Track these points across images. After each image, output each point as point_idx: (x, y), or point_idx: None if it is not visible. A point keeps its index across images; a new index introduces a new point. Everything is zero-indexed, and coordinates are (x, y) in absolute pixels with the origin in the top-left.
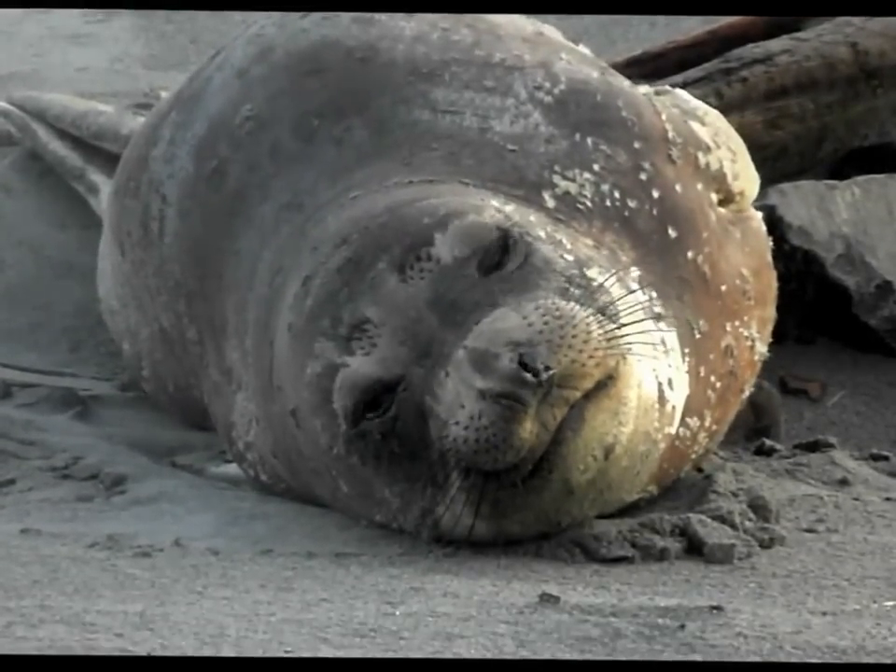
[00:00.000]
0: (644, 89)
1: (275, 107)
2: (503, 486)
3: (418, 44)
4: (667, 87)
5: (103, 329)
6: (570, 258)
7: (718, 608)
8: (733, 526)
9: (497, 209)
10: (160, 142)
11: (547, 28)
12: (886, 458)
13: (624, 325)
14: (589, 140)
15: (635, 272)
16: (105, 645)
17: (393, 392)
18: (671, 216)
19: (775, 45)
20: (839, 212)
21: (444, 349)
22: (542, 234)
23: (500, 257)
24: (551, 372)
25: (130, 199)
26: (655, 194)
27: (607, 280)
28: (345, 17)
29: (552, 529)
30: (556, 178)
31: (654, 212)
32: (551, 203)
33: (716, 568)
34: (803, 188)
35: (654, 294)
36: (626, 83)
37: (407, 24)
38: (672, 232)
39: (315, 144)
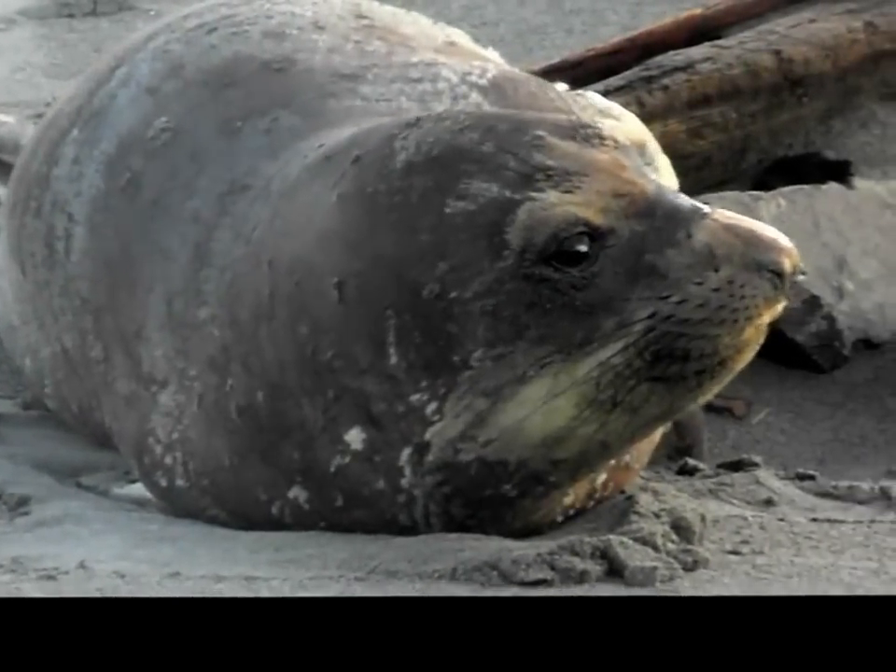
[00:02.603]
0: (562, 87)
1: (194, 117)
2: (662, 375)
3: (334, 54)
4: (579, 91)
5: (4, 345)
6: None
7: None
8: (655, 548)
9: None
10: (62, 161)
11: (458, 36)
12: (812, 478)
13: None
14: None
15: None
16: None
17: (598, 243)
18: None
19: (696, 52)
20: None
21: (679, 215)
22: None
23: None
24: (797, 278)
25: (31, 218)
26: None
27: None
28: (255, 33)
29: (596, 457)
30: None
31: None
32: None
33: (637, 592)
34: (727, 198)
35: None
36: None
37: (320, 37)
38: None
39: (241, 139)
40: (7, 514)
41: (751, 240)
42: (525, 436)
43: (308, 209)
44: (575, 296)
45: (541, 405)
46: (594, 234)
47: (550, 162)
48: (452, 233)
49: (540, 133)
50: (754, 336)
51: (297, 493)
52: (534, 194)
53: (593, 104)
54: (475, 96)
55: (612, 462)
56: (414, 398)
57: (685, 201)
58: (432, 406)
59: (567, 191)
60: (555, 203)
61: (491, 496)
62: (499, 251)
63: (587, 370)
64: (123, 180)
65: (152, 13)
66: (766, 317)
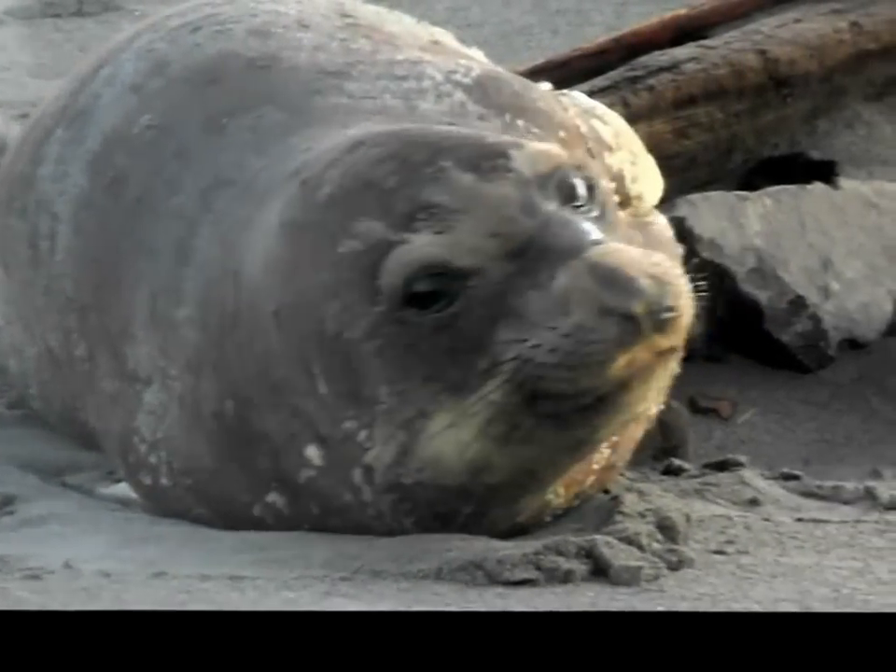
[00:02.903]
0: (546, 86)
1: (179, 114)
2: (540, 413)
3: (319, 52)
4: (564, 91)
5: None
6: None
7: None
8: (640, 548)
9: None
10: (46, 160)
11: (442, 35)
12: (797, 478)
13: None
14: (520, 122)
15: None
16: None
17: (458, 283)
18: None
19: (681, 52)
20: (750, 224)
21: (550, 255)
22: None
23: (575, 192)
24: (672, 315)
25: (16, 219)
26: None
27: None
28: (239, 31)
29: (521, 481)
30: None
31: None
32: None
33: (622, 591)
34: (713, 199)
35: None
36: None
37: (304, 35)
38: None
39: (226, 135)
40: None
41: (607, 282)
42: (447, 467)
43: (266, 228)
44: (440, 338)
45: (450, 438)
46: (454, 275)
47: (437, 199)
48: (343, 273)
49: (445, 164)
50: (637, 369)
51: (275, 498)
52: (408, 235)
53: (577, 103)
54: (459, 95)
55: (596, 464)
56: (347, 425)
57: (565, 238)
58: (363, 434)
59: (439, 231)
60: (420, 245)
61: (450, 512)
62: (374, 294)
63: (474, 407)
64: (108, 178)
65: (137, 13)
66: (643, 352)
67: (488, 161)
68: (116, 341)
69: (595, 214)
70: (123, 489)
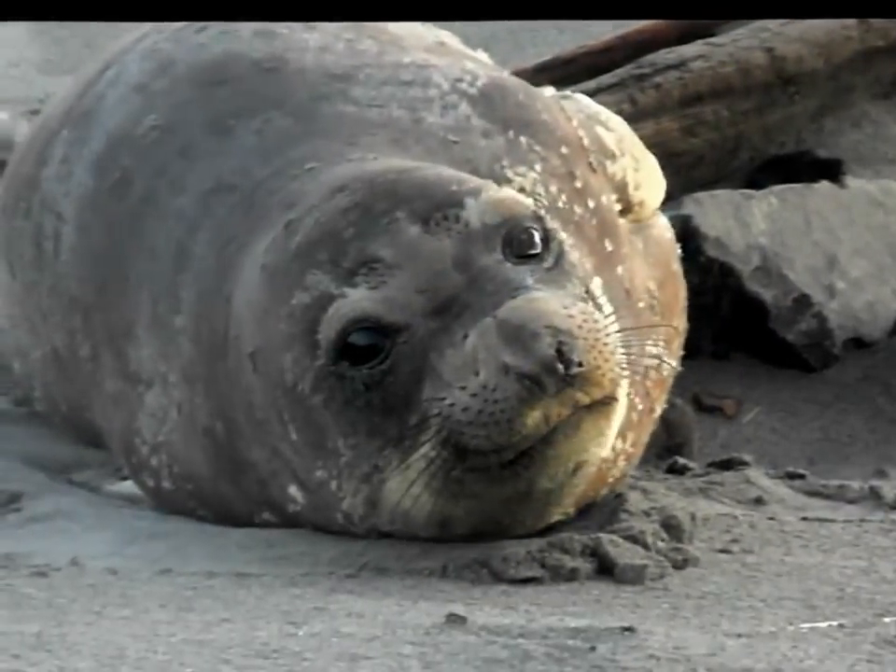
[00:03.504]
0: (549, 91)
1: (184, 115)
2: (472, 467)
3: (325, 53)
4: (568, 92)
5: None
6: (585, 267)
7: (629, 629)
8: (645, 547)
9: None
10: (51, 161)
11: (447, 37)
12: (802, 477)
13: (630, 353)
14: (522, 139)
15: (598, 281)
16: (2, 666)
17: (389, 340)
18: (605, 228)
19: (688, 50)
20: (756, 223)
21: (467, 312)
22: (564, 235)
23: (528, 241)
24: (580, 370)
25: (20, 220)
26: (591, 204)
27: (610, 310)
28: (245, 31)
29: (488, 528)
30: (508, 173)
31: (594, 222)
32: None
33: (627, 589)
34: (719, 197)
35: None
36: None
37: (310, 36)
38: (608, 245)
39: (233, 138)
40: None
41: (510, 340)
42: (414, 521)
43: (253, 263)
44: (373, 393)
45: (406, 494)
46: (386, 331)
47: (381, 253)
48: (293, 325)
49: (400, 215)
50: (560, 422)
51: (269, 517)
52: (347, 290)
53: (580, 108)
54: (464, 107)
55: (613, 476)
56: (319, 474)
57: (486, 294)
58: (334, 484)
59: (374, 287)
60: (354, 300)
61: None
62: (315, 348)
63: (414, 461)
64: (113, 178)
65: None
66: (559, 406)
67: (440, 211)
68: (119, 341)
69: (546, 264)
70: (130, 486)
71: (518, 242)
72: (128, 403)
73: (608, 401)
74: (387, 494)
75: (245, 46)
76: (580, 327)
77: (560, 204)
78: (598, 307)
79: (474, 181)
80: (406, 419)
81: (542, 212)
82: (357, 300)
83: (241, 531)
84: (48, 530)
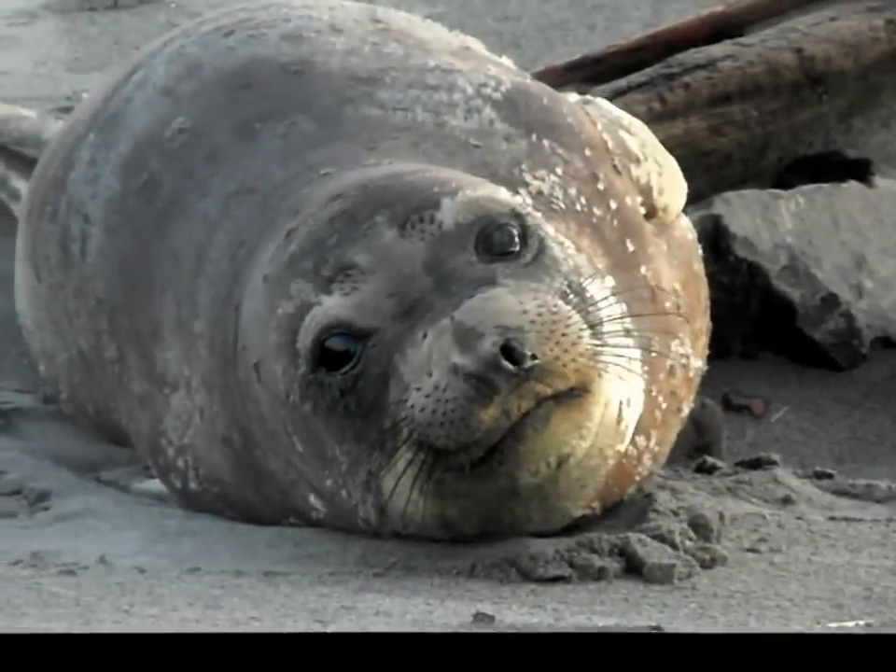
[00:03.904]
0: (573, 97)
1: (211, 118)
2: (450, 467)
3: (352, 56)
4: (588, 97)
5: (24, 341)
6: (572, 262)
7: (657, 628)
8: (673, 546)
9: (511, 195)
10: (77, 164)
11: (472, 42)
12: (830, 476)
13: (609, 345)
14: (545, 142)
15: (610, 280)
16: None
17: (361, 344)
18: (627, 229)
19: (717, 50)
20: (784, 222)
21: (429, 314)
22: (551, 231)
23: (506, 239)
24: (534, 362)
25: (46, 223)
26: (613, 205)
27: (604, 298)
28: (272, 35)
29: (493, 527)
30: (527, 177)
31: (615, 223)
32: (528, 201)
33: (655, 588)
34: (747, 197)
35: (625, 307)
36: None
37: (337, 40)
38: (630, 246)
39: (258, 141)
40: (28, 509)
41: (460, 340)
42: (421, 524)
43: (259, 273)
44: (348, 398)
45: (404, 496)
46: (357, 336)
47: (356, 259)
48: (280, 335)
49: (379, 220)
50: (528, 415)
51: (295, 522)
52: (323, 297)
53: (603, 113)
54: (488, 112)
55: (639, 474)
56: (328, 483)
57: (448, 295)
58: (344, 492)
59: (347, 293)
60: (328, 307)
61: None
62: (296, 356)
63: (397, 464)
64: (140, 181)
65: (173, 6)
66: (521, 400)
67: (417, 213)
68: (146, 343)
69: (524, 260)
70: (158, 485)
71: (493, 240)
72: (154, 405)
73: (580, 393)
74: (391, 500)
75: (272, 49)
76: (532, 321)
77: (578, 207)
78: (584, 301)
79: (458, 182)
80: (381, 423)
81: (524, 209)
82: (331, 306)
83: (269, 529)
84: (76, 529)
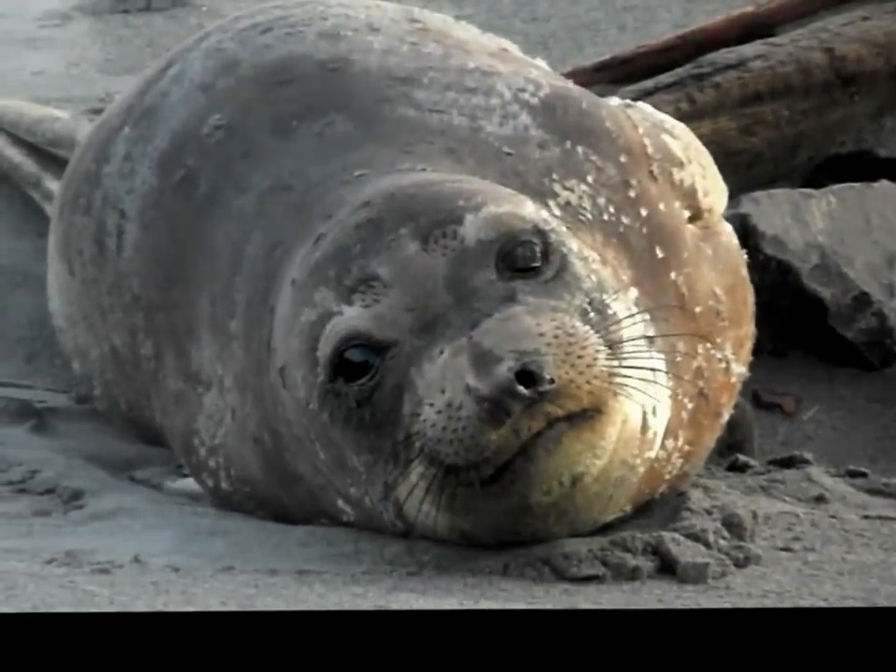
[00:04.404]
0: (615, 101)
1: (248, 114)
2: (461, 483)
3: (390, 55)
4: (629, 101)
5: (57, 341)
6: (595, 279)
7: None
8: (706, 545)
9: (536, 209)
10: (113, 158)
11: (508, 44)
12: (863, 475)
13: (628, 367)
14: (580, 149)
15: (633, 292)
16: None
17: (379, 356)
18: (658, 235)
19: (748, 50)
20: (815, 221)
21: (448, 330)
22: (575, 247)
23: (528, 255)
24: (552, 387)
25: (80, 216)
26: (643, 212)
27: (626, 318)
28: (310, 33)
29: (511, 539)
30: (556, 187)
31: (644, 230)
32: (556, 213)
33: (689, 588)
34: (777, 196)
35: (648, 317)
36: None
37: (375, 39)
38: (660, 253)
39: (295, 139)
40: (62, 508)
41: (476, 361)
42: (441, 534)
43: (290, 276)
44: (364, 410)
45: (418, 507)
46: (376, 348)
47: (379, 271)
48: (302, 342)
49: (403, 231)
50: (541, 436)
51: (327, 523)
52: (344, 307)
53: (646, 117)
54: (524, 118)
55: (668, 475)
56: (353, 491)
57: (467, 313)
58: (367, 500)
59: (368, 305)
60: (349, 318)
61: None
62: (316, 364)
63: (413, 478)
64: (177, 177)
65: (205, 9)
66: (533, 420)
67: (440, 227)
68: (182, 340)
69: (545, 277)
70: (191, 483)
71: (515, 256)
72: (188, 403)
73: (593, 414)
74: (409, 511)
75: (310, 47)
76: (549, 343)
77: (606, 217)
78: (605, 318)
79: (484, 195)
80: (395, 435)
81: (548, 225)
82: (351, 317)
83: (301, 528)
84: (109, 527)
